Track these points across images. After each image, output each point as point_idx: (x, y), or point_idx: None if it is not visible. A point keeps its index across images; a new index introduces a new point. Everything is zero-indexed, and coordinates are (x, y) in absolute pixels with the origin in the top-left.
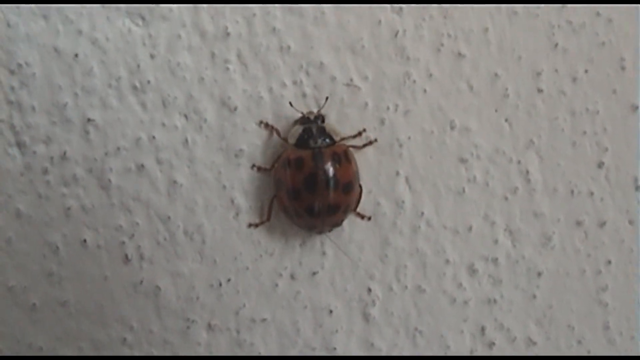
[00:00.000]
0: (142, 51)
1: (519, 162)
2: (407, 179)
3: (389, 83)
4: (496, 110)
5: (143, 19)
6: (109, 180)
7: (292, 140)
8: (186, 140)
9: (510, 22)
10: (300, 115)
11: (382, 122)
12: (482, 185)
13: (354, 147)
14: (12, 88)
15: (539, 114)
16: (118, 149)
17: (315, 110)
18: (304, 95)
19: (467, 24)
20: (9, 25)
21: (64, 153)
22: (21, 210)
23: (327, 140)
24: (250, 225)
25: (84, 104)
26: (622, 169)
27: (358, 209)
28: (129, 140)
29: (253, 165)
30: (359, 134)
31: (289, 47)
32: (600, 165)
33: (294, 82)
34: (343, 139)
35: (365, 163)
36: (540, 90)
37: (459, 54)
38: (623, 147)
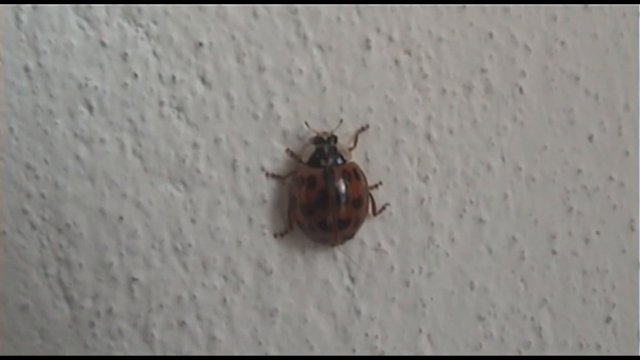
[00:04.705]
0: (183, 215)
1: (532, 318)
2: (429, 336)
3: (414, 247)
4: (513, 272)
5: (184, 184)
6: (152, 335)
7: (305, 159)
8: (224, 300)
9: (529, 188)
10: (314, 135)
11: (407, 284)
12: (498, 340)
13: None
14: (61, 246)
15: (552, 274)
16: (161, 306)
17: (329, 131)
18: (335, 258)
19: (488, 190)
20: (57, 186)
21: (110, 309)
22: None
23: (338, 159)
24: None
25: (129, 263)
26: (628, 322)
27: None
28: (171, 299)
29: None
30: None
31: None
32: (608, 320)
33: (325, 248)
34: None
35: (391, 322)
36: (554, 252)
37: (480, 219)
38: (629, 303)
